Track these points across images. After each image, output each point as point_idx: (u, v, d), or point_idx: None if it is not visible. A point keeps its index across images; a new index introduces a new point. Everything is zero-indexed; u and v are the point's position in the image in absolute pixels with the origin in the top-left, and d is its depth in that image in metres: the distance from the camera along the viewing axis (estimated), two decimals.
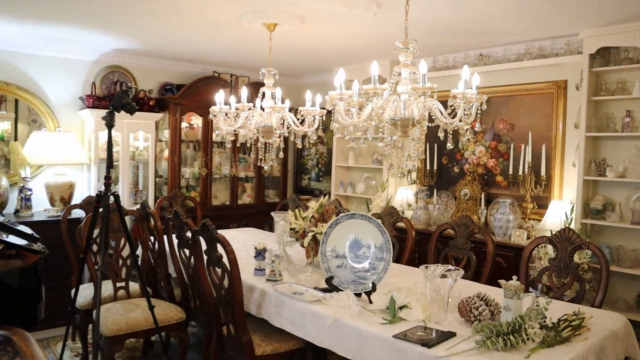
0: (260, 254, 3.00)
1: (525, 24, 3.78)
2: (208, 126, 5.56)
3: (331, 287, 2.55)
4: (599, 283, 2.70)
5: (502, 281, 2.12)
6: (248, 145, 3.80)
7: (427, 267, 2.21)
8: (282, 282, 2.78)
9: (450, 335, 2.01)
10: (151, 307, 2.81)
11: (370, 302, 2.37)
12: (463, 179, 4.77)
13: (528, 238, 4.13)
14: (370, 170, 5.82)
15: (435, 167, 5.06)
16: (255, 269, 3.00)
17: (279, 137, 3.61)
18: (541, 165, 4.20)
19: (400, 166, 2.60)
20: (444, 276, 2.16)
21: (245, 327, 2.66)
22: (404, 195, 5.21)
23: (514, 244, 4.10)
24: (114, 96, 2.51)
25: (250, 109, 3.53)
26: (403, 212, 4.96)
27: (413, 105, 2.46)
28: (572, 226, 3.89)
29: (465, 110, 2.37)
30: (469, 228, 3.28)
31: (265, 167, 3.66)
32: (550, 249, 3.62)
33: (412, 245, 3.61)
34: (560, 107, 4.22)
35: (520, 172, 4.29)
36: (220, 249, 2.66)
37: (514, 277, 2.10)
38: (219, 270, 2.72)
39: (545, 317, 2.15)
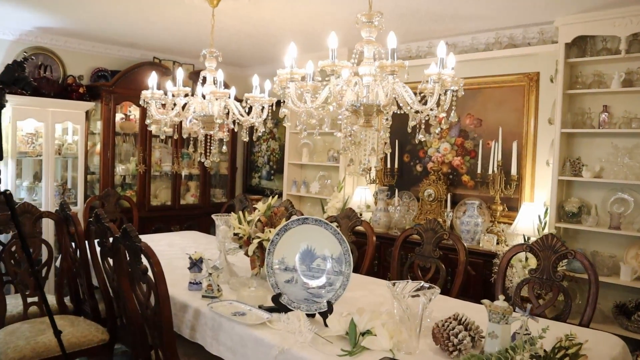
0: (195, 264, 2.55)
1: (496, 7, 3.47)
2: (147, 118, 5.04)
3: (279, 306, 2.14)
4: (587, 298, 2.39)
5: (486, 302, 1.75)
6: (191, 139, 3.37)
7: (394, 284, 1.83)
8: (221, 300, 2.34)
9: None
10: (57, 333, 2.31)
11: (326, 325, 1.96)
12: (426, 178, 4.44)
13: (498, 243, 3.83)
14: (326, 169, 5.43)
15: (396, 166, 4.71)
16: (190, 282, 2.55)
17: (223, 128, 3.17)
18: (512, 164, 3.91)
19: (362, 162, 2.21)
20: (415, 295, 1.78)
21: (175, 354, 2.20)
22: (362, 195, 4.84)
23: (483, 250, 3.78)
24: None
25: (187, 94, 3.07)
26: (361, 214, 4.58)
27: (378, 89, 2.07)
28: (546, 230, 3.61)
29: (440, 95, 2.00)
30: (437, 233, 2.92)
31: (206, 163, 3.21)
32: (525, 256, 3.31)
33: (373, 252, 3.24)
34: (532, 102, 3.94)
35: (490, 171, 3.98)
36: (144, 260, 2.20)
37: (501, 297, 1.74)
38: (144, 286, 2.26)
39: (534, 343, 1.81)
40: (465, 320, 1.87)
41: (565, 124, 3.61)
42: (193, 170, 5.82)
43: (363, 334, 1.86)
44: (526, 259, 3.45)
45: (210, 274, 2.41)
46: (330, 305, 2.05)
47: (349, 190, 5.06)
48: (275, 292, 2.17)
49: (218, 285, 2.43)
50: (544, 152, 3.92)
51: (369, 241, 3.24)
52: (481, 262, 3.72)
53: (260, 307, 2.22)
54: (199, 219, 5.61)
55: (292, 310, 2.11)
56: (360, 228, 3.45)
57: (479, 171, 4.09)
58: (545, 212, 3.69)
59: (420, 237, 2.99)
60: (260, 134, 3.18)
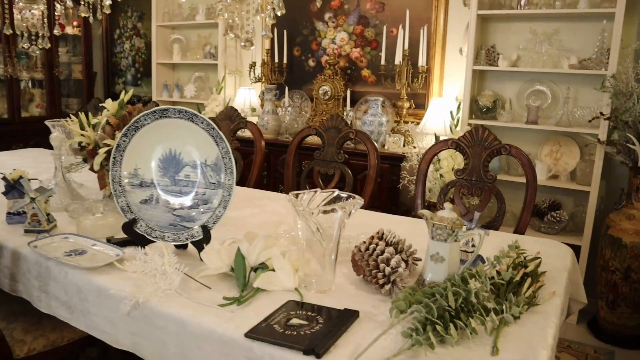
0: (13, 187, 1.84)
1: None
2: None
3: (134, 237, 1.54)
4: (525, 200, 2.03)
5: (426, 212, 1.27)
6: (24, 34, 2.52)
7: (297, 196, 1.29)
8: (52, 235, 1.69)
9: (350, 317, 1.14)
10: None
11: (202, 260, 1.40)
12: (321, 74, 3.88)
13: (405, 145, 3.43)
14: (202, 68, 4.69)
15: (285, 60, 4.09)
16: (8, 213, 1.85)
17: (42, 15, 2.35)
18: (419, 54, 3.45)
19: (245, 28, 1.58)
20: (329, 209, 1.25)
21: None
22: (246, 97, 4.20)
23: (389, 153, 3.37)
24: None
25: None
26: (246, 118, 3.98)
27: None
28: (459, 128, 3.24)
29: None
30: (341, 132, 2.41)
31: (31, 50, 2.40)
32: (445, 158, 2.93)
33: (262, 161, 2.68)
34: None
35: (396, 63, 3.50)
36: None
37: (448, 204, 1.26)
38: None
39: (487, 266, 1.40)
40: (395, 238, 1.40)
41: (482, 4, 3.17)
42: (36, 74, 4.81)
43: (255, 270, 1.33)
44: (439, 160, 3.09)
45: (33, 198, 1.73)
46: (206, 230, 1.48)
47: (230, 92, 4.39)
48: (128, 217, 1.56)
49: (48, 215, 1.76)
50: (455, 40, 3.50)
51: (257, 147, 2.67)
52: (387, 166, 3.31)
53: (109, 240, 1.61)
54: (48, 135, 4.68)
55: (153, 241, 1.53)
56: (244, 133, 2.86)
57: (382, 63, 3.59)
58: (458, 108, 3.32)
59: (320, 137, 2.47)
60: (105, 13, 2.42)
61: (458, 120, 3.29)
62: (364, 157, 2.41)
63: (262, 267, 1.33)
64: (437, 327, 1.00)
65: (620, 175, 3.21)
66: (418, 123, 3.48)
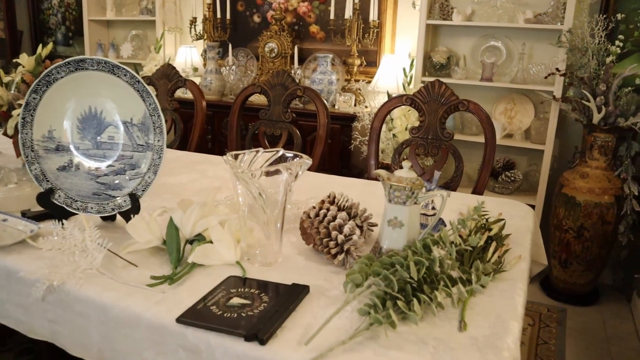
0: None
1: None
2: None
3: (51, 209, 1.35)
4: (483, 158, 1.93)
5: (381, 172, 1.14)
6: None
7: (236, 157, 1.14)
8: None
9: (299, 293, 1.01)
10: None
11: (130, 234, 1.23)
12: (267, 30, 3.67)
13: (356, 104, 3.29)
14: (140, 25, 4.39)
15: (228, 16, 3.85)
16: None
17: None
18: (370, 8, 3.29)
19: None
20: (272, 171, 1.10)
21: None
22: (187, 56, 3.96)
23: (339, 113, 3.23)
24: None
25: None
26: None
27: None
28: (412, 86, 3.13)
29: None
30: (288, 89, 2.25)
31: None
32: (399, 117, 2.82)
33: (203, 122, 2.49)
34: None
35: (347, 17, 3.32)
36: None
37: (407, 163, 1.13)
38: None
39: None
40: (348, 202, 1.27)
41: None
42: None
43: (191, 242, 1.18)
44: (391, 119, 2.97)
45: None
46: (135, 199, 1.31)
47: (170, 51, 4.13)
48: (44, 187, 1.37)
49: None
50: None
51: (198, 107, 2.47)
52: (338, 127, 3.18)
53: (24, 214, 1.41)
54: None
55: (74, 213, 1.34)
56: (186, 95, 2.65)
57: (331, 17, 3.41)
58: (411, 65, 3.20)
59: (265, 96, 2.30)
60: None
61: (411, 78, 3.17)
62: (313, 117, 2.26)
63: (199, 239, 1.18)
64: (399, 302, 0.88)
65: (574, 133, 3.19)
66: (369, 81, 3.34)
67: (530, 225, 1.53)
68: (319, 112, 2.18)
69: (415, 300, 0.89)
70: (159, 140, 1.31)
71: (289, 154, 1.17)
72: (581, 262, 2.92)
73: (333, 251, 1.12)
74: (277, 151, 1.19)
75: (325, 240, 1.14)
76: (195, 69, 3.97)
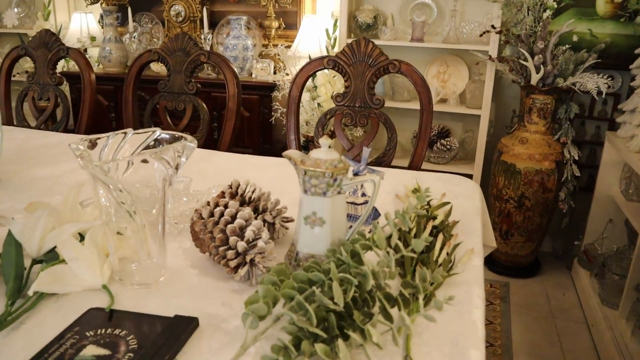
0: None
1: None
2: None
3: None
4: (419, 128, 1.70)
5: (292, 153, 0.87)
6: None
7: (91, 144, 0.83)
8: None
9: (184, 330, 0.73)
10: None
11: None
12: None
13: (276, 72, 3.00)
14: None
15: None
16: None
17: None
18: None
19: None
20: (143, 161, 0.81)
21: None
22: (82, 23, 3.51)
23: (257, 82, 2.93)
24: None
25: None
26: (85, 51, 3.34)
27: None
28: (336, 49, 2.87)
29: None
30: (190, 55, 1.92)
31: None
32: (323, 84, 2.55)
33: (92, 98, 2.13)
34: None
35: None
36: None
37: (326, 140, 0.87)
38: None
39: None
40: (254, 193, 1.00)
41: None
42: None
43: (40, 262, 0.87)
44: (315, 87, 2.70)
45: None
46: None
47: (62, 18, 3.66)
48: None
49: None
50: None
51: (85, 80, 2.11)
52: (256, 97, 2.88)
53: None
54: None
55: None
56: (70, 67, 2.27)
57: None
58: (335, 26, 2.93)
59: (164, 64, 1.97)
60: None
61: (335, 40, 2.90)
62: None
63: (51, 257, 0.87)
64: (317, 345, 0.62)
65: (510, 96, 3.03)
66: (289, 46, 3.05)
67: (478, 205, 1.31)
68: (227, 81, 1.88)
69: (341, 340, 0.63)
70: None
71: (166, 135, 0.87)
72: (522, 232, 2.79)
73: (233, 263, 0.85)
74: (153, 131, 0.89)
75: (221, 248, 0.86)
76: (93, 38, 3.54)
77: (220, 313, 0.79)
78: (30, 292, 0.80)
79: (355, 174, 0.94)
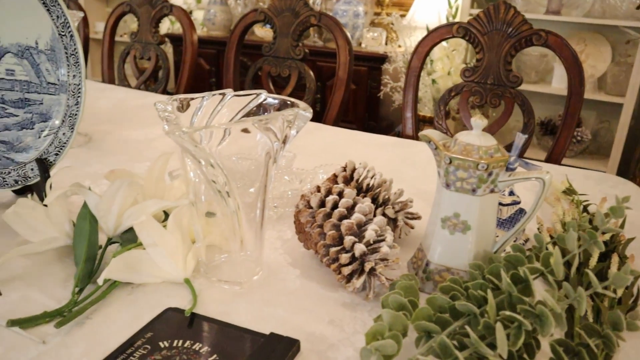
0: None
1: None
2: None
3: None
4: (565, 114, 1.45)
5: (430, 133, 0.68)
6: None
7: (182, 105, 0.68)
8: None
9: (280, 355, 0.57)
10: None
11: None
12: None
13: (387, 43, 2.79)
14: None
15: None
16: None
17: None
18: None
19: None
20: (244, 130, 0.65)
21: None
22: None
23: (367, 52, 2.73)
24: None
25: None
26: (191, 12, 3.29)
27: None
28: (458, 19, 2.60)
29: None
30: (299, 16, 1.76)
31: None
32: (440, 58, 2.33)
33: (193, 59, 2.02)
34: None
35: None
36: None
37: (479, 119, 0.67)
38: None
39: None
40: (374, 180, 0.82)
41: None
42: None
43: (115, 242, 0.74)
44: (431, 61, 2.47)
45: None
46: (43, 166, 0.87)
47: None
48: None
49: None
50: None
51: (187, 41, 2.01)
52: (365, 69, 2.68)
53: None
54: None
55: None
56: (175, 29, 2.18)
57: None
58: None
59: (271, 25, 1.82)
60: None
61: (457, 10, 2.64)
62: (335, 57, 1.77)
63: (128, 239, 0.74)
64: None
65: None
66: (404, 15, 2.82)
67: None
68: (339, 47, 1.70)
69: None
70: (75, 76, 0.86)
71: (273, 100, 0.71)
72: None
73: (346, 270, 0.67)
74: (257, 94, 0.73)
75: (333, 249, 0.69)
76: (199, 0, 3.48)
77: (326, 334, 0.62)
78: (99, 281, 0.66)
79: (509, 170, 0.73)
